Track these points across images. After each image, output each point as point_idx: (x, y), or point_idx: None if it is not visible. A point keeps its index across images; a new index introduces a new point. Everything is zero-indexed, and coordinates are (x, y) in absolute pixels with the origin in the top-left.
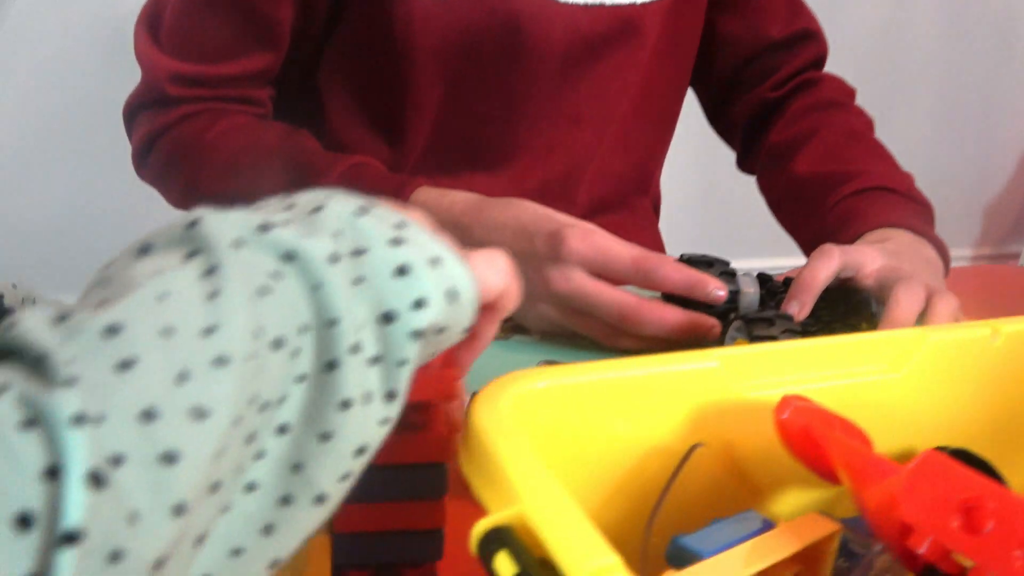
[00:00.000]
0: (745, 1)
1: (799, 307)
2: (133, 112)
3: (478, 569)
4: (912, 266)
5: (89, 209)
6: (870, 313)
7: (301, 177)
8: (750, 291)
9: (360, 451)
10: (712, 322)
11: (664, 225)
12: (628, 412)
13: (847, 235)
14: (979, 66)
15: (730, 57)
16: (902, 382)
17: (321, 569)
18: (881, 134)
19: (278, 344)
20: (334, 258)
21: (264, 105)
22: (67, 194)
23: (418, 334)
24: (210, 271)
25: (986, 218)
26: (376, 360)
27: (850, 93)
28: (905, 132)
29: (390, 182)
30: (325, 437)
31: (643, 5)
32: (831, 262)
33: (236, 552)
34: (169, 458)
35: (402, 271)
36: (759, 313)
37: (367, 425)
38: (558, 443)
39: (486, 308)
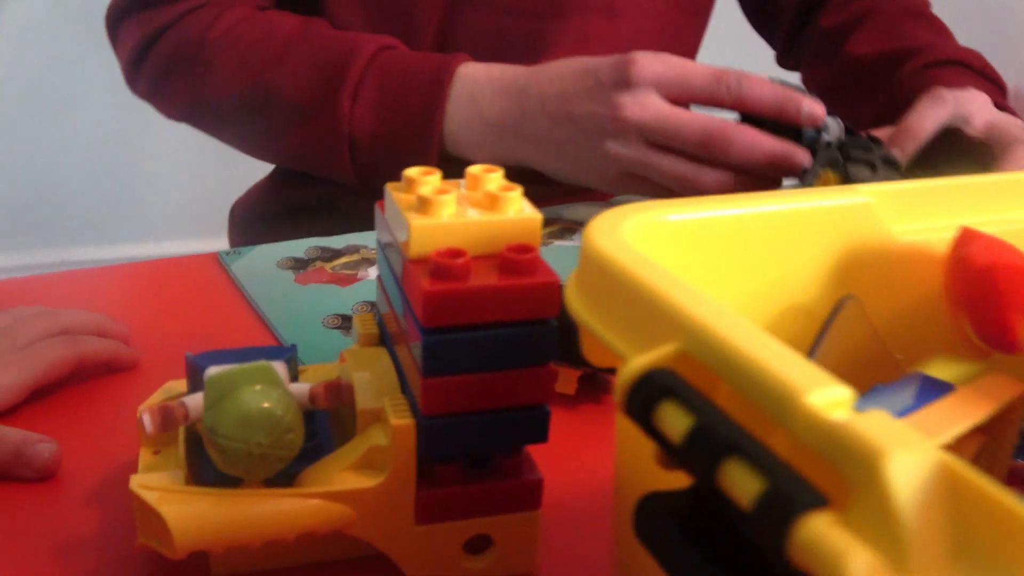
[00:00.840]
0: None
1: (901, 154)
2: (119, 17)
3: None
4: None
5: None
6: (985, 164)
7: (328, 68)
8: (835, 125)
9: None
10: (804, 152)
11: None
12: (768, 255)
13: None
14: None
15: None
16: None
17: (405, 463)
18: None
19: None
20: None
21: None
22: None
23: None
24: None
25: None
26: None
27: None
28: None
29: (430, 62)
30: None
31: None
32: (942, 109)
33: None
34: None
35: None
36: (853, 140)
37: None
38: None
39: None
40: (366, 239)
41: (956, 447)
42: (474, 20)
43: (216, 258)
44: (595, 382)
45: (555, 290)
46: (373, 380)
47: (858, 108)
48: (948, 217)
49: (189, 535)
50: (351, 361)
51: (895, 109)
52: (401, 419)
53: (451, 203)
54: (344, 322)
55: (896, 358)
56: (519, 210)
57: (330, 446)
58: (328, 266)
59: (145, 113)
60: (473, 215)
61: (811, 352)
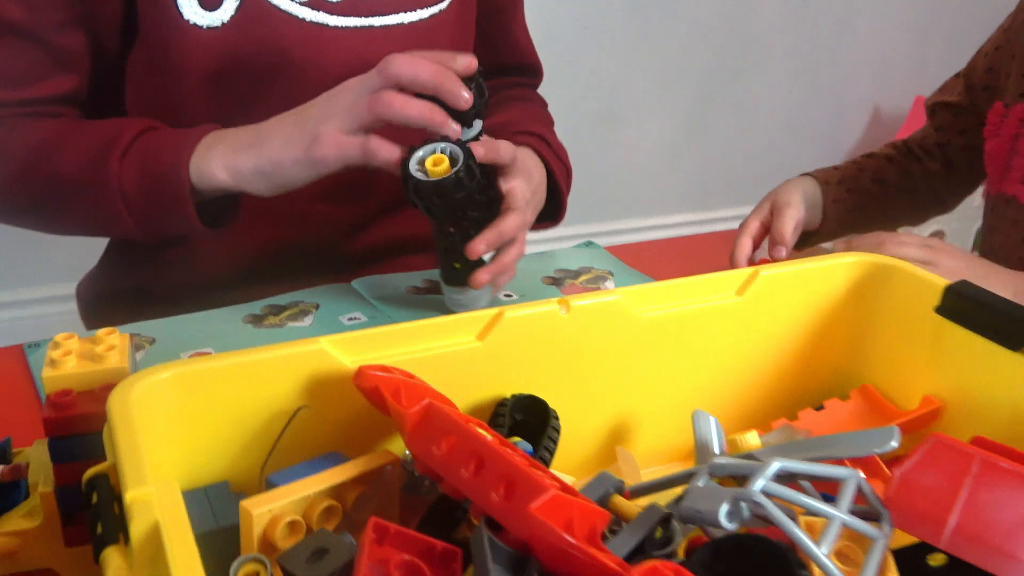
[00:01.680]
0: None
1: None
2: None
3: None
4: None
5: None
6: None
7: (102, 141)
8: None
9: None
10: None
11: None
12: (251, 386)
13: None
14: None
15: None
16: (484, 350)
17: (53, 512)
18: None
19: None
20: None
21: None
22: None
23: None
24: None
25: None
26: None
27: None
28: (761, 96)
29: (189, 129)
30: None
31: (418, 22)
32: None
33: None
34: None
35: None
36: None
37: None
38: (198, 416)
39: None
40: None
41: (338, 493)
42: None
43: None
44: None
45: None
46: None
47: None
48: (378, 351)
49: None
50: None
51: None
52: (46, 488)
53: (73, 359)
54: None
55: (337, 440)
56: (114, 360)
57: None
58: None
59: None
60: (82, 366)
61: (275, 441)
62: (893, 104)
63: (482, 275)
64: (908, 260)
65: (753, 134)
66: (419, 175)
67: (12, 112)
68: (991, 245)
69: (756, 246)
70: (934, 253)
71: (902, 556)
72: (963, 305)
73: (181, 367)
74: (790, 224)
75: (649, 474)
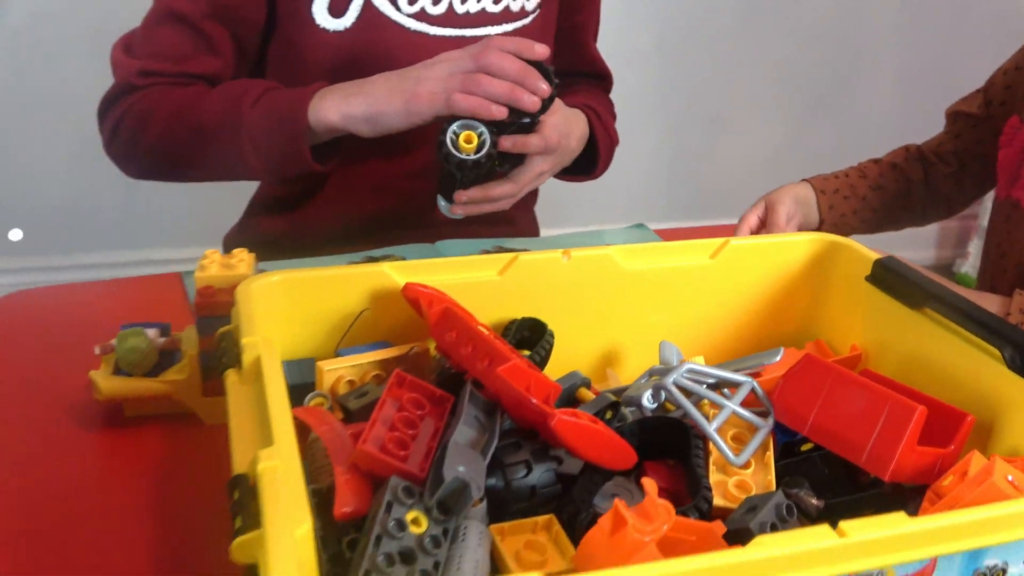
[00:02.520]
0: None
1: None
2: (104, 108)
3: None
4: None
5: None
6: None
7: (233, 102)
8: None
9: None
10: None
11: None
12: (332, 293)
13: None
14: (934, 39)
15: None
16: (502, 283)
17: (195, 368)
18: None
19: None
20: None
21: None
22: None
23: None
24: None
25: None
26: None
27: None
28: (868, 103)
29: (300, 89)
30: None
31: (503, 35)
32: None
33: None
34: None
35: None
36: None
37: None
38: (296, 309)
39: None
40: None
41: (382, 365)
42: None
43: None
44: None
45: None
46: None
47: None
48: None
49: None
50: None
51: None
52: (192, 353)
53: (215, 266)
54: None
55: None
56: (242, 269)
57: None
58: None
59: None
60: (220, 271)
61: (344, 334)
62: None
63: (458, 208)
64: None
65: (858, 141)
66: (451, 147)
67: (167, 81)
68: (995, 243)
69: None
70: None
71: (785, 448)
72: (884, 274)
73: (286, 274)
74: (783, 218)
75: None
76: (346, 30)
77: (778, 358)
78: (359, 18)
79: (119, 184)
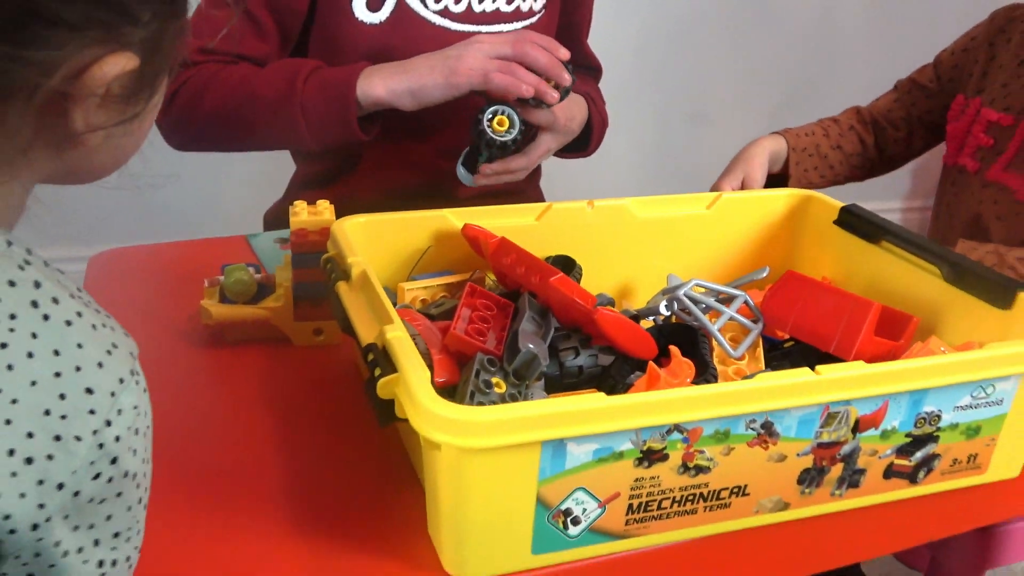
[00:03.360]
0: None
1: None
2: None
3: None
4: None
5: None
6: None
7: (287, 76)
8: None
9: None
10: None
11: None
12: (405, 233)
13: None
14: (905, 44)
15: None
16: (539, 226)
17: (289, 299)
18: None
19: None
20: None
21: None
22: None
23: None
24: None
25: (914, 175)
26: None
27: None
28: (840, 102)
29: (349, 66)
30: None
31: (514, 31)
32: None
33: None
34: None
35: None
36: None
37: None
38: (378, 245)
39: None
40: None
41: (449, 288)
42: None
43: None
44: None
45: None
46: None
47: None
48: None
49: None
50: None
51: None
52: (286, 284)
53: (305, 213)
54: None
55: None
56: (327, 215)
57: None
58: None
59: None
60: (311, 215)
61: (415, 263)
62: None
63: (480, 179)
64: None
65: None
66: (487, 129)
67: (221, 59)
68: (944, 203)
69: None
70: None
71: (771, 345)
72: (848, 218)
73: (369, 217)
74: (759, 174)
75: None
76: (381, 23)
77: (764, 274)
78: (392, 13)
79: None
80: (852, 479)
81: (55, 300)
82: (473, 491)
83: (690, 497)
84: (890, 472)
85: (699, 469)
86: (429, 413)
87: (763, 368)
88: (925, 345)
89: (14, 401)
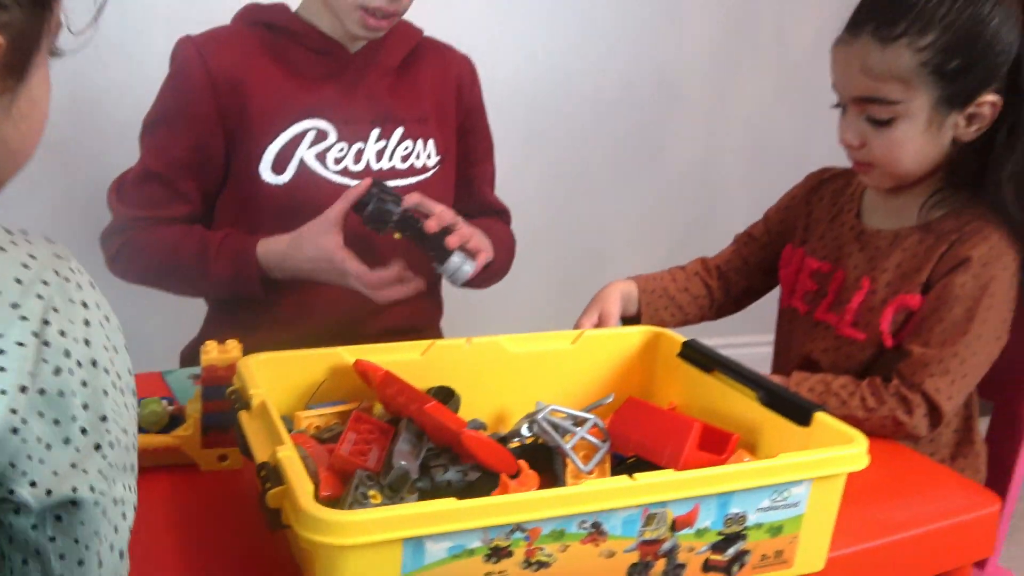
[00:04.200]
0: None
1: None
2: (105, 238)
3: None
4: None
5: None
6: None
7: (201, 247)
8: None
9: None
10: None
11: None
12: (299, 368)
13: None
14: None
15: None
16: (423, 360)
17: (196, 428)
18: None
19: None
20: None
21: None
22: None
23: None
24: None
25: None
26: None
27: None
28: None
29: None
30: None
31: (407, 186)
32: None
33: None
34: None
35: None
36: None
37: None
38: (277, 379)
39: None
40: None
41: (339, 417)
42: None
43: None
44: None
45: None
46: None
47: None
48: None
49: None
50: None
51: None
52: (196, 415)
53: (214, 352)
54: None
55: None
56: (235, 353)
57: None
58: None
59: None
60: (220, 353)
61: (311, 395)
62: None
63: (452, 240)
64: None
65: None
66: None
67: (151, 222)
68: (782, 340)
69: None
70: None
71: (617, 460)
72: (689, 351)
73: (271, 354)
74: (615, 315)
75: None
76: (285, 184)
77: (610, 400)
78: (295, 174)
79: None
80: (675, 572)
81: None
82: None
83: None
84: (707, 566)
85: (540, 564)
86: (307, 516)
87: None
88: (737, 457)
89: None
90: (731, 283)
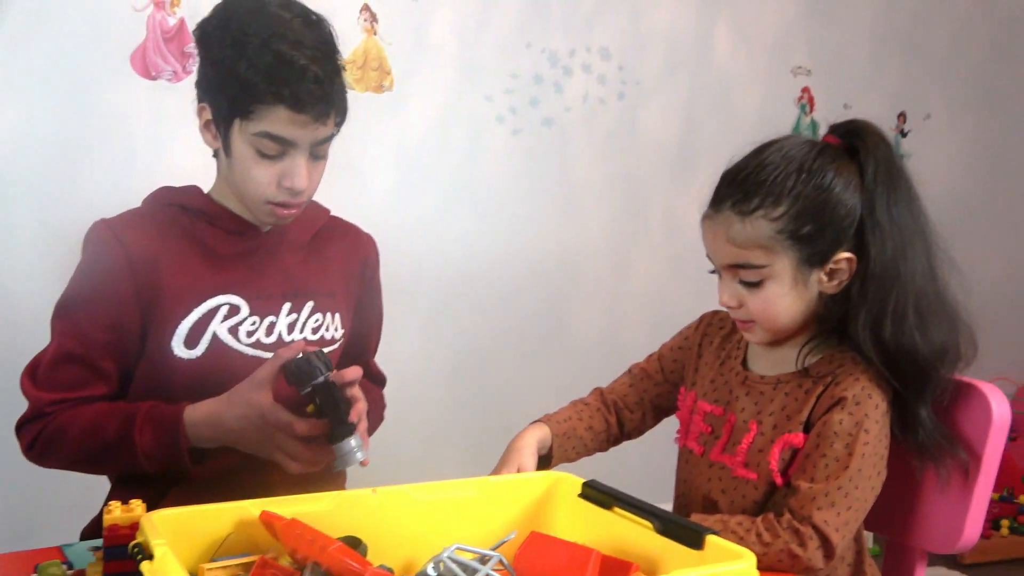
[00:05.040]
0: None
1: None
2: (20, 425)
3: None
4: None
5: None
6: None
7: (125, 422)
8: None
9: None
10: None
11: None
12: (204, 525)
13: None
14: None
15: None
16: (333, 512)
17: None
18: None
19: None
20: None
21: None
22: None
23: None
24: None
25: None
26: None
27: None
28: None
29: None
30: None
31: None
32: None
33: None
34: None
35: None
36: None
37: None
38: (181, 535)
39: None
40: None
41: (244, 568)
42: None
43: None
44: None
45: None
46: None
47: None
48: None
49: None
50: None
51: None
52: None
53: (118, 511)
54: None
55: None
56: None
57: None
58: None
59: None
60: (123, 512)
61: (217, 548)
62: None
63: (353, 415)
64: None
65: None
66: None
67: (71, 404)
68: (682, 479)
69: None
70: None
71: None
72: (589, 491)
73: (175, 510)
74: (530, 462)
75: None
76: (197, 358)
77: (512, 536)
78: (208, 348)
79: None
80: None
81: None
82: None
83: None
84: None
85: None
86: None
87: None
88: None
89: None
90: (626, 419)
